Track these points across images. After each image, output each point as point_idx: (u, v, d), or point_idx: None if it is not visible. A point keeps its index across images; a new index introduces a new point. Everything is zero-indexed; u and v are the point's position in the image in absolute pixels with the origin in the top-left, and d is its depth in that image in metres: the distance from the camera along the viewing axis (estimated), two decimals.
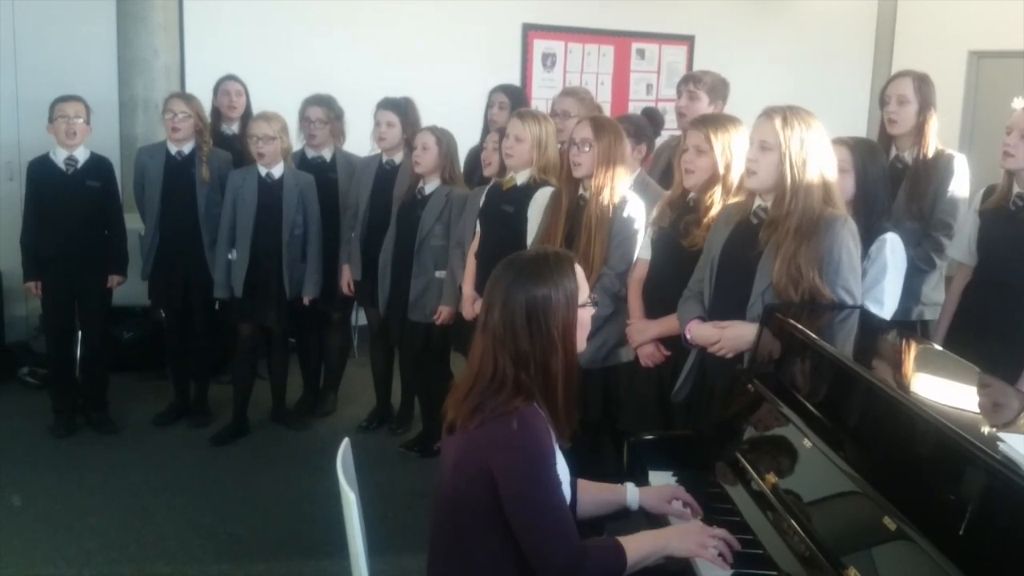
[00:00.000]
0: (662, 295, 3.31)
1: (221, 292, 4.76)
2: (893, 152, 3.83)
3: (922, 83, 3.77)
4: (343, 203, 4.96)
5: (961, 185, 3.70)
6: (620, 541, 2.10)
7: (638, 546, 2.10)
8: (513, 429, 1.98)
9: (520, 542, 2.01)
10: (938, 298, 3.72)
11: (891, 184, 3.50)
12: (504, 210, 3.96)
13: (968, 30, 7.61)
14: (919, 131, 3.75)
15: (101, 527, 3.91)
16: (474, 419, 2.03)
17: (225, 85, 5.34)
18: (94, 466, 4.49)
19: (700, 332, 2.93)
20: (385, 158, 4.78)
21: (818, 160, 2.73)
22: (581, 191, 3.55)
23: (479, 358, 2.08)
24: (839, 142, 3.18)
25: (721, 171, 3.15)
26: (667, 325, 3.25)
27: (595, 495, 2.38)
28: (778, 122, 2.73)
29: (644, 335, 3.34)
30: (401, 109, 4.71)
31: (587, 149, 3.45)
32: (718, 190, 3.16)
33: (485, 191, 4.17)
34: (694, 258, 3.14)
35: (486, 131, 4.86)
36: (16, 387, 5.52)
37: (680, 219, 3.26)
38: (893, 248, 3.04)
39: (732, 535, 2.19)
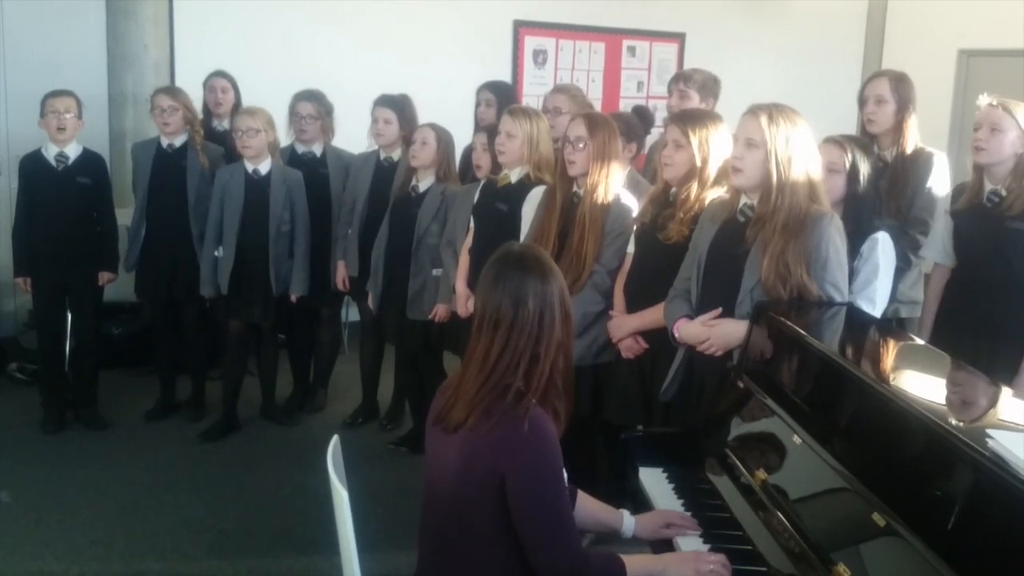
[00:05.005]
0: (640, 289, 3.34)
1: (207, 290, 4.75)
2: (874, 150, 3.84)
3: (899, 82, 3.78)
4: (335, 199, 4.95)
5: (940, 182, 3.72)
6: (621, 557, 2.10)
7: (638, 565, 2.12)
8: (524, 431, 1.96)
9: (524, 544, 2.01)
10: (915, 296, 3.74)
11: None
12: (498, 208, 3.96)
13: (957, 29, 7.64)
14: (898, 129, 3.77)
15: (90, 523, 3.90)
16: (483, 423, 2.00)
17: (212, 82, 5.34)
18: (83, 462, 4.48)
19: (688, 330, 2.93)
20: (383, 155, 4.78)
21: (803, 158, 2.74)
22: (575, 188, 3.56)
23: (490, 356, 2.04)
24: (831, 141, 3.20)
25: (698, 165, 3.18)
26: (645, 319, 3.30)
27: (591, 511, 2.38)
28: (764, 119, 2.74)
29: (622, 329, 3.38)
30: (398, 106, 4.71)
31: (581, 147, 3.46)
32: (695, 184, 3.19)
33: (479, 188, 4.17)
34: (670, 252, 3.16)
35: (476, 128, 4.86)
36: (5, 383, 5.49)
37: (660, 214, 3.28)
38: (884, 248, 3.06)
39: (726, 529, 2.20)
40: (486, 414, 2.00)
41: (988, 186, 3.43)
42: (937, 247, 3.63)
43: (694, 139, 3.17)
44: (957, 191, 3.60)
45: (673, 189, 3.28)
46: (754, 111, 2.78)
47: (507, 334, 2.03)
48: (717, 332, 2.84)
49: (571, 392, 2.15)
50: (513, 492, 1.98)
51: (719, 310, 2.84)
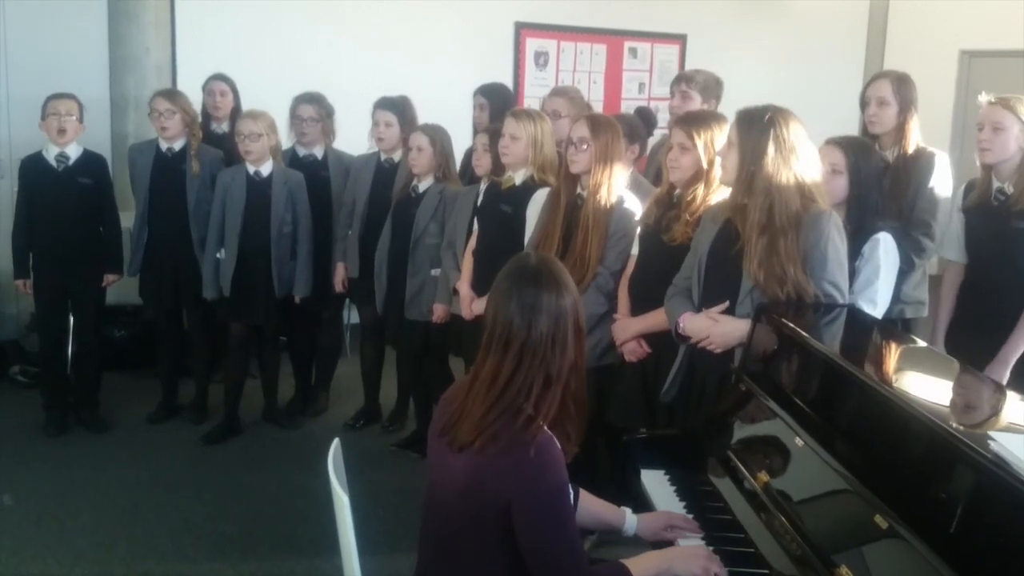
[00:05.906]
0: (645, 291, 3.33)
1: (209, 292, 4.75)
2: (877, 151, 3.84)
3: (901, 83, 3.77)
4: (336, 201, 4.95)
5: (942, 183, 3.71)
6: (626, 564, 2.09)
7: (645, 568, 2.10)
8: (531, 458, 1.93)
9: (530, 567, 1.99)
10: (919, 296, 3.73)
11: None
12: (503, 210, 3.95)
13: (959, 29, 7.64)
14: (900, 130, 3.76)
15: (92, 526, 3.90)
16: (489, 447, 1.96)
17: (210, 85, 5.34)
18: (85, 465, 4.48)
19: (693, 324, 2.91)
20: (384, 156, 4.78)
21: (782, 156, 2.71)
22: (579, 190, 3.55)
23: (499, 379, 1.99)
24: (833, 143, 3.20)
25: (705, 167, 3.17)
26: (649, 321, 3.29)
27: (593, 510, 2.37)
28: (737, 119, 2.79)
29: (626, 332, 3.37)
30: (399, 108, 4.71)
31: (584, 148, 3.45)
32: (701, 186, 3.19)
33: (479, 190, 4.17)
34: (675, 253, 3.15)
35: (474, 133, 4.86)
36: (6, 386, 5.50)
37: (664, 215, 3.28)
38: (886, 248, 3.05)
39: (728, 531, 2.19)
40: (493, 438, 1.96)
41: (995, 184, 3.43)
42: (952, 244, 3.62)
43: (699, 141, 3.16)
44: (968, 188, 3.59)
45: (677, 191, 3.27)
46: (737, 112, 2.82)
47: (518, 357, 1.99)
48: (718, 330, 2.83)
49: (584, 413, 2.11)
50: (520, 518, 1.95)
51: (726, 303, 2.84)
